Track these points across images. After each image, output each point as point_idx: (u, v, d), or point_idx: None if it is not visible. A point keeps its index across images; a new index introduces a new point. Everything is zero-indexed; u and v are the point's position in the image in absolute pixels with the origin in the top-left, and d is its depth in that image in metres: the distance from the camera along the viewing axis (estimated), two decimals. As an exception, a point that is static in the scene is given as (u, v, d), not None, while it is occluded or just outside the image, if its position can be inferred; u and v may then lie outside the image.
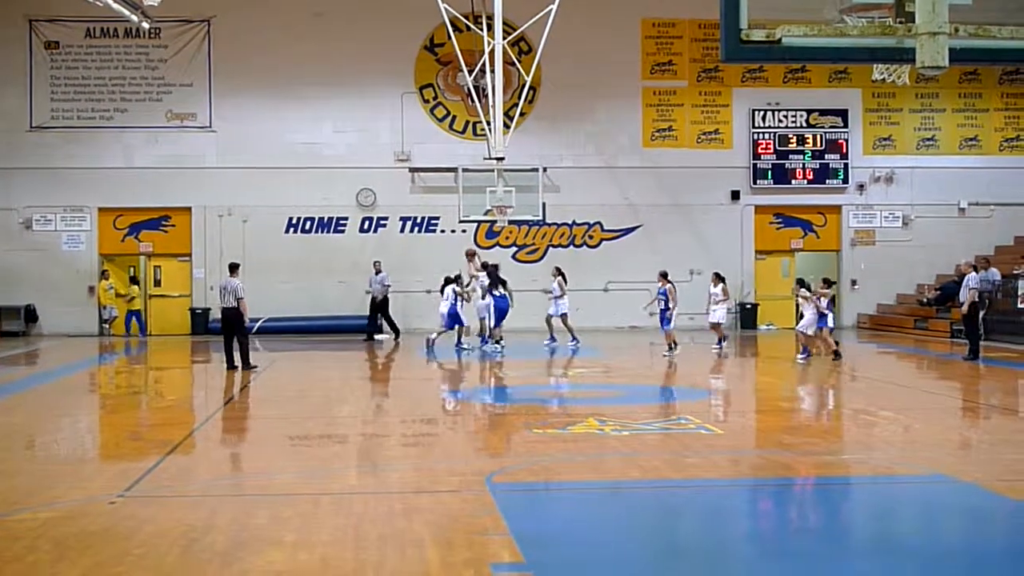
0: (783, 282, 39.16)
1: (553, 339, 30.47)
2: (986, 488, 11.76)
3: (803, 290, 25.84)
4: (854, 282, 39.36)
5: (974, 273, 26.64)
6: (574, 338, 30.35)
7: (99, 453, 15.46)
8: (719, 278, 28.94)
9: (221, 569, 8.85)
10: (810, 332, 26.33)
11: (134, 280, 37.64)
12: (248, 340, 24.68)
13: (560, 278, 30.97)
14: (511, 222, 35.00)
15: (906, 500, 11.85)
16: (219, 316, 25.36)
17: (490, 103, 32.18)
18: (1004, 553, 9.55)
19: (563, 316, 30.93)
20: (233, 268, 25.20)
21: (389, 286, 34.50)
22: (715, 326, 28.87)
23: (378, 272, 34.48)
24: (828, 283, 26.55)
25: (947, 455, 13.86)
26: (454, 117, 38.00)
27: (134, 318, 37.17)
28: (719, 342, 28.36)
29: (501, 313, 29.24)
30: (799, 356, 25.66)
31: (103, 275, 37.26)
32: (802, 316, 26.67)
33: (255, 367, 24.08)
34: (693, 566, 9.04)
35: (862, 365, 28.28)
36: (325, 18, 37.42)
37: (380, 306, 34.30)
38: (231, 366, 24.06)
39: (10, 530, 10.07)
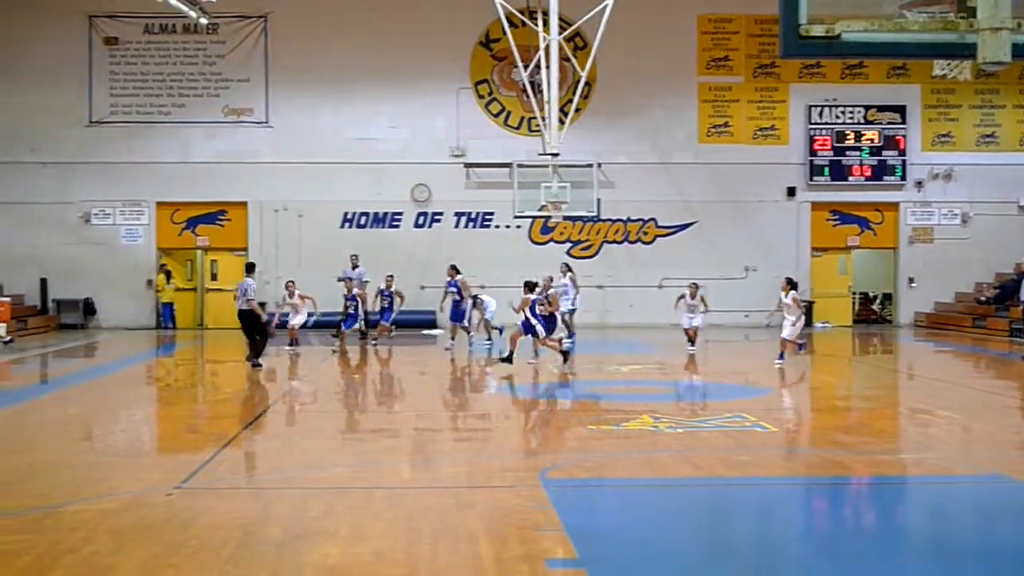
0: (839, 280, 38.95)
1: (571, 335, 29.25)
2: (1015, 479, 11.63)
3: (794, 292, 24.52)
4: (911, 280, 39.04)
5: None
6: (571, 334, 29.32)
7: (156, 445, 15.57)
8: (791, 284, 25.07)
9: (276, 561, 8.89)
10: (800, 340, 25.48)
11: (167, 274, 37.87)
12: (266, 340, 24.28)
13: (571, 274, 30.26)
14: (565, 218, 34.97)
15: (963, 500, 11.73)
16: (272, 311, 25.51)
17: (545, 99, 32.13)
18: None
19: (572, 312, 29.96)
20: (249, 268, 24.96)
21: (367, 281, 32.56)
22: (785, 342, 24.77)
23: (355, 267, 32.79)
24: (792, 284, 24.94)
25: (1005, 455, 13.72)
26: (509, 113, 37.99)
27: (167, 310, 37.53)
28: (780, 355, 24.49)
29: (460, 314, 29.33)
30: (777, 360, 24.86)
31: (161, 269, 37.53)
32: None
33: (259, 366, 23.58)
34: (746, 565, 8.99)
35: (919, 364, 28.08)
36: (380, 13, 37.50)
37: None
38: (254, 364, 23.66)
39: (67, 521, 10.15)
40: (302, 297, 28.03)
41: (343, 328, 29.17)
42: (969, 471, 12.94)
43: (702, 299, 27.69)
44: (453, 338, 29.10)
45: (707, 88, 38.46)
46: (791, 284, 25.00)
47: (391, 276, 30.03)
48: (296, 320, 28.07)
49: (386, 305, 29.69)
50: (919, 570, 8.92)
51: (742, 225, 38.18)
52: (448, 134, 37.71)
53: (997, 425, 16.48)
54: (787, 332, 24.52)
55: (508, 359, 23.19)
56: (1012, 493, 11.72)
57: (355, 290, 29.95)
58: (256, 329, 23.97)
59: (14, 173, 37.01)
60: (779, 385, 21.89)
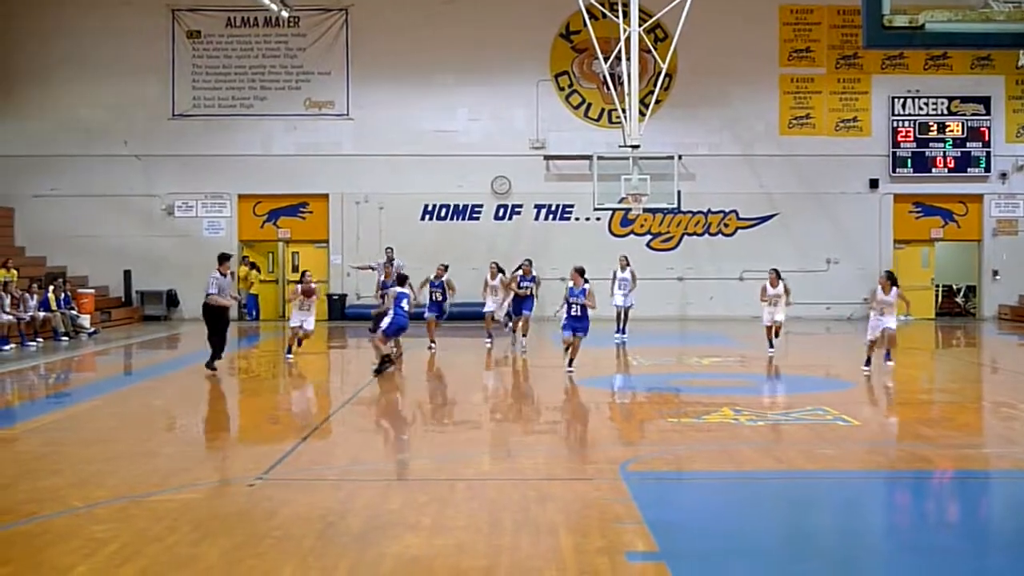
0: (922, 272, 38.56)
1: (623, 331, 28.82)
2: None
3: (897, 288, 21.47)
4: (995, 272, 38.56)
5: None
6: (622, 329, 28.94)
7: (237, 436, 15.73)
8: (892, 280, 21.59)
9: (358, 553, 8.96)
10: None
11: (252, 265, 38.18)
12: (224, 338, 21.85)
13: (630, 268, 29.62)
14: (646, 210, 34.85)
15: (1049, 496, 11.60)
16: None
17: (625, 91, 32.05)
18: None
19: (629, 308, 29.33)
20: (221, 259, 22.30)
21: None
22: (886, 335, 21.40)
23: (390, 260, 29.82)
24: (893, 279, 21.59)
25: (1092, 450, 13.55)
26: (589, 104, 37.95)
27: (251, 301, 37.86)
28: (887, 355, 21.87)
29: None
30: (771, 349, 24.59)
31: (243, 261, 37.88)
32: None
33: (214, 371, 21.36)
34: (826, 559, 8.95)
35: (1003, 357, 27.75)
36: (459, 5, 37.56)
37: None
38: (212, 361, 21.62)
39: (151, 510, 10.29)
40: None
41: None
42: (1055, 466, 12.79)
43: (785, 288, 24.70)
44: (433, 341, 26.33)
45: (788, 79, 38.19)
46: (892, 279, 21.53)
47: (444, 266, 27.01)
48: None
49: (438, 298, 26.37)
50: (1003, 566, 8.83)
51: (823, 217, 37.89)
52: (528, 126, 37.73)
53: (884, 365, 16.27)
54: (892, 325, 21.19)
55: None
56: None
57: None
58: (216, 327, 21.60)
59: (99, 166, 37.48)
60: (861, 378, 21.72)
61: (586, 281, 21.10)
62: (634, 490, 11.02)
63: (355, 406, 17.75)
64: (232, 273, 23.42)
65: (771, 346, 24.84)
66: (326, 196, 37.86)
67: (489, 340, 26.68)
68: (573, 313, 21.01)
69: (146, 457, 12.92)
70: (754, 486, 11.72)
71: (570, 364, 20.93)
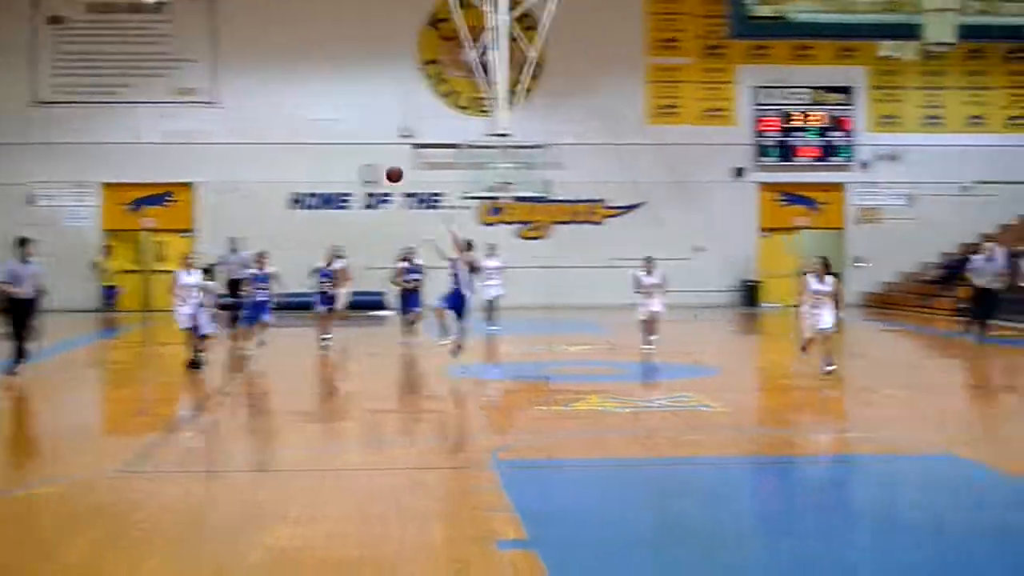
0: (787, 260, 39.13)
1: (493, 322, 27.87)
2: (990, 466, 11.76)
3: (833, 277, 19.42)
4: (858, 260, 39.27)
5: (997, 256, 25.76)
6: (491, 319, 28.00)
7: (101, 428, 15.48)
8: (827, 266, 19.51)
9: (227, 545, 8.87)
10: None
11: (106, 252, 37.45)
12: (26, 335, 18.69)
13: (497, 257, 28.80)
14: (515, 199, 34.97)
15: (910, 478, 11.84)
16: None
17: (494, 79, 32.11)
18: (1006, 530, 9.55)
19: (498, 297, 28.42)
20: (18, 244, 18.86)
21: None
22: (822, 335, 19.05)
23: (234, 250, 30.00)
24: (828, 266, 19.64)
25: (951, 433, 13.86)
26: (458, 93, 37.92)
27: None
28: (827, 361, 18.95)
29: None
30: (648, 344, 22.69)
31: (106, 250, 37.23)
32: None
33: (14, 375, 18.42)
34: (695, 544, 9.04)
35: (865, 343, 28.28)
36: (329, -7, 37.34)
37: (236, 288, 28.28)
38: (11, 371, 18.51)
39: (9, 506, 10.08)
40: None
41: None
42: (915, 450, 13.06)
43: (663, 277, 22.60)
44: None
45: (656, 69, 38.52)
46: (827, 266, 19.40)
47: (336, 253, 25.05)
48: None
49: (328, 288, 24.36)
50: (866, 548, 9.00)
51: (690, 206, 38.30)
52: (397, 115, 37.58)
53: (943, 403, 16.64)
54: (828, 324, 18.69)
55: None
56: (958, 471, 11.84)
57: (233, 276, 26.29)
58: (17, 322, 18.59)
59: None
60: (726, 365, 22.00)
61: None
62: (505, 479, 11.04)
63: (222, 397, 17.56)
64: (95, 264, 22.39)
65: (648, 341, 22.42)
66: (193, 185, 37.37)
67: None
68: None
69: (4, 453, 12.66)
70: (622, 473, 11.81)
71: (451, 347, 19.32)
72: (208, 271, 20.70)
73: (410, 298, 24.94)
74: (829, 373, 18.56)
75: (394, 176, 19.23)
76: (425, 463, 12.13)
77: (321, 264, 24.52)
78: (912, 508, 10.51)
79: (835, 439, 13.84)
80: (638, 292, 22.51)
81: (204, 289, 19.69)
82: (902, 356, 24.82)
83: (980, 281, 25.06)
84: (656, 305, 22.44)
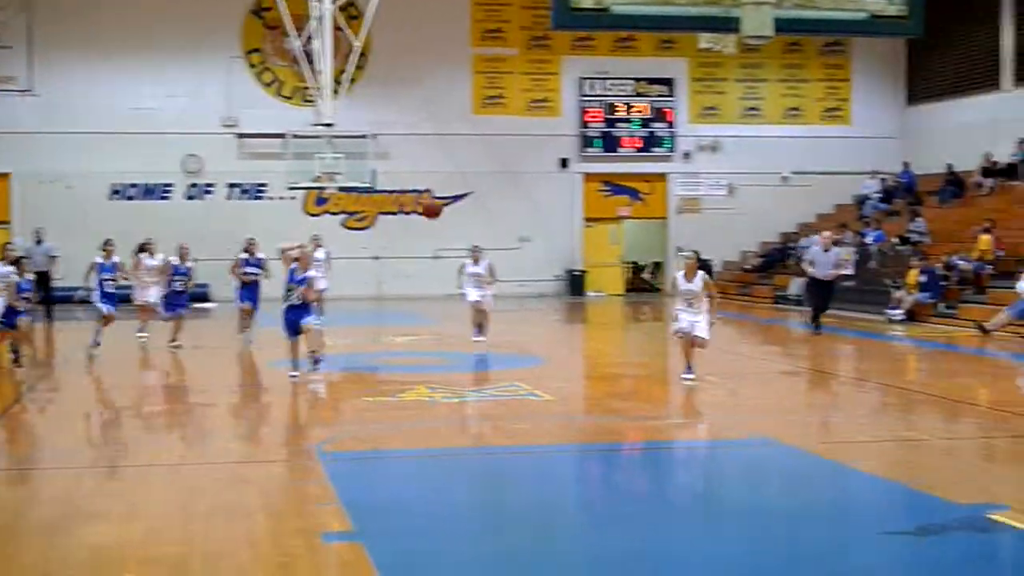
0: (611, 249, 39.59)
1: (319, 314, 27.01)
2: (809, 451, 12.03)
3: (705, 275, 16.87)
4: (680, 249, 39.79)
5: (836, 249, 25.78)
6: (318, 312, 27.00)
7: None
8: (702, 263, 18.92)
9: (45, 543, 8.64)
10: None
11: None
12: None
13: (324, 248, 27.20)
14: (340, 189, 34.77)
15: (731, 463, 12.07)
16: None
17: (318, 69, 31.87)
18: (824, 513, 9.78)
19: (324, 290, 26.17)
20: None
21: (56, 257, 30.48)
22: (697, 342, 16.81)
23: (40, 242, 29.86)
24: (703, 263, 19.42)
25: (771, 419, 14.15)
26: (282, 83, 37.51)
27: None
28: (688, 368, 16.87)
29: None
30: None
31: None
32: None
33: None
34: (523, 533, 9.08)
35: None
36: (149, -20, 36.62)
37: (43, 280, 28.44)
38: None
39: None
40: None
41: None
42: (736, 435, 13.31)
43: (490, 268, 21.81)
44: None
45: (481, 59, 38.60)
46: (701, 262, 18.11)
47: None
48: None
49: (179, 287, 22.48)
50: (692, 532, 9.13)
51: (517, 196, 38.47)
52: (220, 104, 37.02)
53: (762, 390, 16.98)
54: (702, 330, 16.54)
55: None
56: (776, 454, 12.10)
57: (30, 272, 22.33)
58: None
59: None
60: (553, 354, 22.16)
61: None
62: (330, 471, 10.97)
63: (41, 392, 17.14)
64: None
65: (479, 333, 21.81)
66: (7, 175, 36.33)
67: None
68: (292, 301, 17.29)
69: None
70: (450, 463, 11.82)
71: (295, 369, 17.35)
72: (17, 263, 20.02)
73: (248, 292, 22.89)
74: (687, 380, 16.45)
75: (432, 211, 18.48)
76: (249, 457, 12.00)
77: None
78: (732, 492, 10.70)
79: (659, 426, 14.03)
80: (466, 282, 21.76)
81: (7, 282, 18.92)
82: (723, 343, 25.24)
83: (817, 271, 24.98)
84: (484, 296, 21.69)
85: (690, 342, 16.54)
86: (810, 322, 25.27)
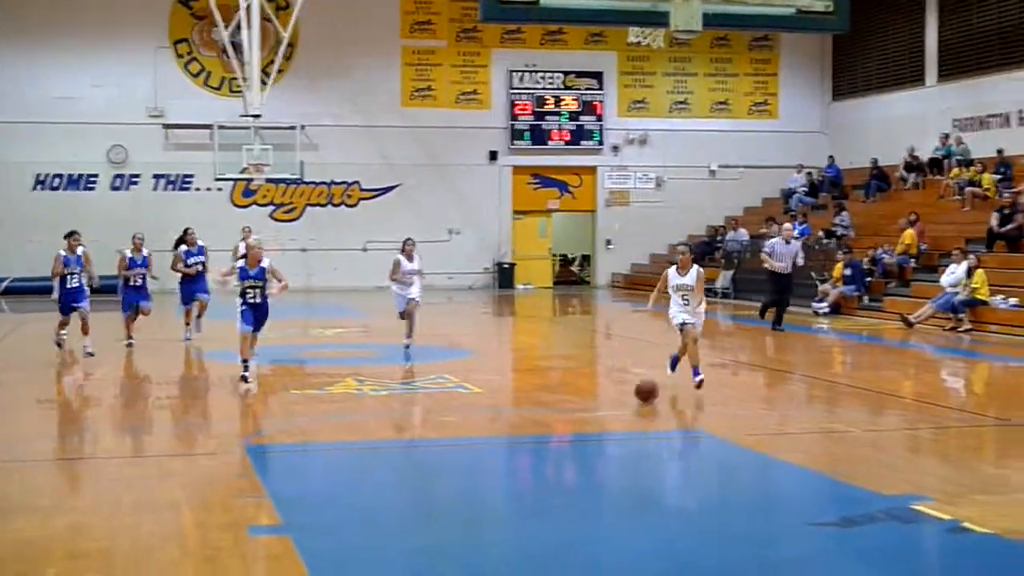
0: (540, 242, 39.65)
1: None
2: (734, 442, 12.11)
3: (700, 268, 16.09)
4: (608, 242, 40.03)
5: (795, 243, 24.42)
6: None
7: None
8: (694, 255, 17.80)
9: (-34, 538, 8.54)
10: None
11: None
12: None
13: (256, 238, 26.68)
14: (268, 180, 34.60)
15: (659, 455, 12.14)
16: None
17: (246, 59, 31.67)
18: (751, 505, 9.86)
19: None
20: None
21: None
22: (685, 333, 15.73)
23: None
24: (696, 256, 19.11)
25: (700, 411, 14.23)
26: (209, 73, 37.22)
27: None
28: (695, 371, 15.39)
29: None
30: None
31: None
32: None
33: None
34: (451, 525, 9.08)
35: (616, 324, 28.85)
36: (74, -32, 36.19)
37: None
38: None
39: None
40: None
41: None
42: (665, 427, 13.38)
43: (421, 262, 20.08)
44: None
45: (410, 51, 38.49)
46: (695, 253, 18.00)
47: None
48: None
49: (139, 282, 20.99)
50: (621, 525, 9.17)
51: (446, 188, 38.43)
52: (147, 94, 36.70)
53: (690, 382, 17.05)
54: (694, 319, 15.69)
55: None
56: (704, 446, 12.18)
57: None
58: None
59: None
60: (482, 347, 22.16)
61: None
62: (258, 464, 10.92)
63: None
64: None
65: (409, 335, 19.76)
66: (-72, 164, 35.83)
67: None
68: (250, 300, 16.05)
69: None
70: (378, 455, 11.80)
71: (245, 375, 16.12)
72: None
73: (198, 284, 21.74)
74: (699, 385, 15.11)
75: (648, 393, 14.13)
76: (176, 450, 11.92)
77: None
78: (661, 484, 10.77)
79: (587, 418, 14.08)
80: (399, 279, 19.58)
81: None
82: (652, 336, 25.34)
83: (777, 264, 23.81)
84: (415, 293, 19.66)
85: (693, 339, 15.52)
86: (762, 316, 24.78)
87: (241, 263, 16.37)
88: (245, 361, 16.11)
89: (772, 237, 25.70)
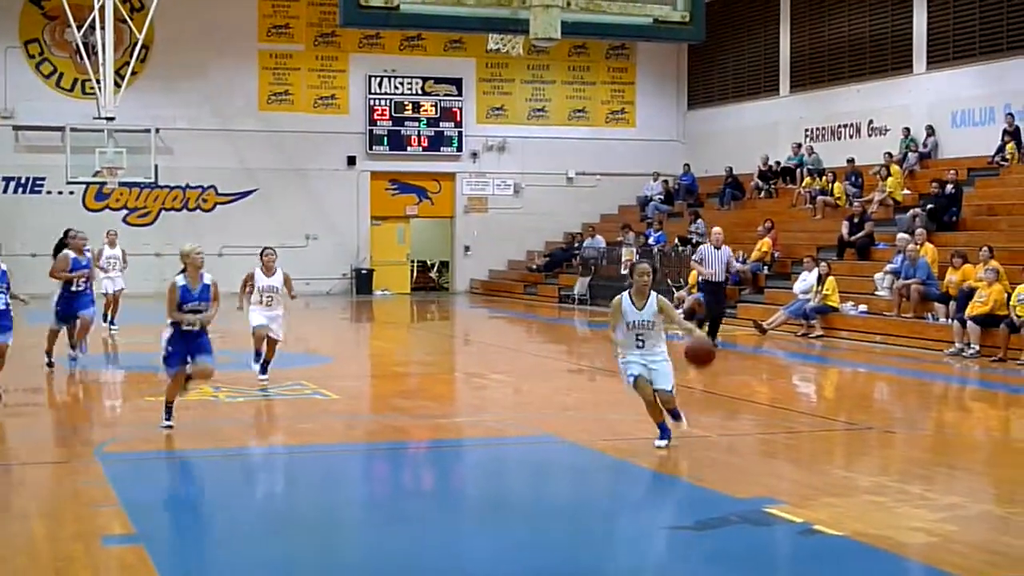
0: (398, 248, 39.58)
1: (112, 321, 24.67)
2: (590, 447, 12.20)
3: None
4: (467, 248, 40.10)
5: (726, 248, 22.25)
6: (112, 319, 24.72)
7: None
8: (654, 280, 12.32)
9: None
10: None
11: None
12: None
13: (120, 245, 25.65)
14: (121, 184, 34.06)
15: (516, 460, 12.18)
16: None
17: (100, 61, 31.17)
18: (606, 509, 9.95)
19: (121, 291, 25.23)
20: None
21: None
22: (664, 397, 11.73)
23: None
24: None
25: (554, 416, 14.33)
26: (62, 74, 36.51)
27: None
28: (674, 416, 11.95)
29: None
30: None
31: None
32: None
33: None
34: (307, 533, 9.03)
35: (474, 330, 28.91)
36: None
37: None
38: None
39: None
40: None
41: None
42: (521, 432, 13.45)
43: (287, 280, 16.67)
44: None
45: (268, 55, 38.18)
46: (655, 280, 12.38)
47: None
48: None
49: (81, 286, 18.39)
50: (476, 529, 9.19)
51: (304, 193, 38.17)
52: (-4, 95, 35.92)
53: (547, 388, 17.18)
54: (666, 380, 11.60)
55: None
56: (560, 451, 12.26)
57: None
58: None
59: None
60: (339, 353, 22.06)
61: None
62: (110, 472, 10.73)
63: None
64: None
65: (263, 369, 16.49)
66: None
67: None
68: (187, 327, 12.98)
69: None
70: (234, 463, 11.69)
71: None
72: None
73: (75, 299, 18.26)
74: (661, 446, 11.66)
75: (702, 357, 11.48)
76: (26, 458, 11.67)
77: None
78: (516, 489, 10.82)
79: (445, 424, 14.09)
80: (252, 300, 16.56)
81: None
82: (509, 342, 25.47)
83: (706, 271, 21.74)
84: (276, 320, 16.36)
85: (656, 398, 11.61)
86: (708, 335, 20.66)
87: (185, 281, 13.31)
88: (169, 405, 12.90)
89: (701, 243, 24.65)
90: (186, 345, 12.85)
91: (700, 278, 22.31)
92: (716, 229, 22.70)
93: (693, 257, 22.88)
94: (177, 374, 12.75)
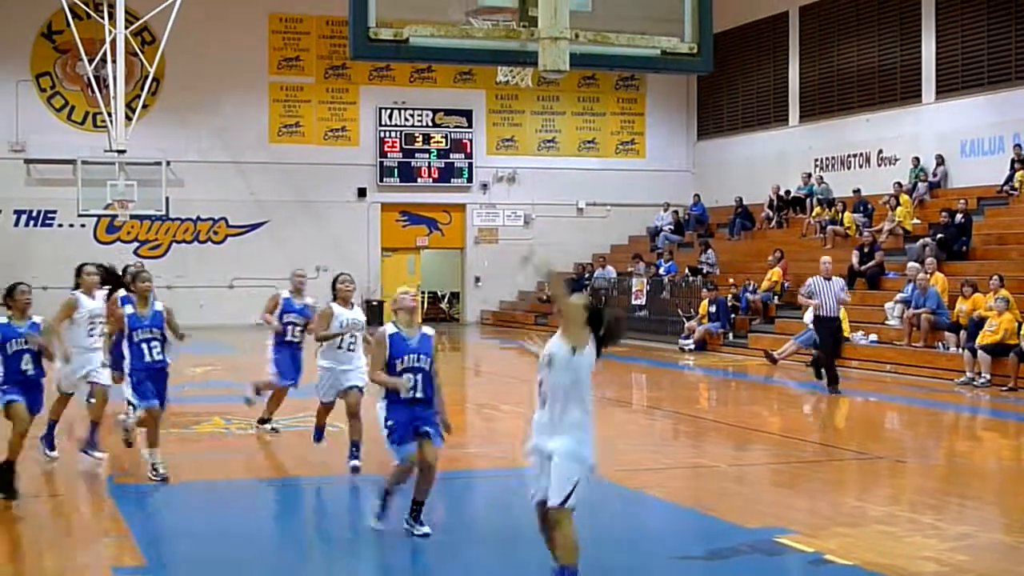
0: (408, 279, 39.56)
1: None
2: (603, 478, 12.18)
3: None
4: (477, 279, 40.14)
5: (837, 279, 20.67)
6: None
7: None
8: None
9: None
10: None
11: None
12: None
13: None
14: (133, 217, 34.15)
15: (528, 491, 12.14)
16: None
17: (111, 94, 31.29)
18: (617, 538, 9.94)
19: None
20: None
21: None
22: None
23: None
24: None
25: (566, 447, 14.29)
26: (73, 107, 36.70)
27: None
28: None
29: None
30: None
31: None
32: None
33: None
34: (315, 564, 9.03)
35: (485, 361, 28.90)
36: (-67, 0, 35.53)
37: None
38: None
39: None
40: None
41: None
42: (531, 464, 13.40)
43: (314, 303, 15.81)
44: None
45: (278, 88, 38.33)
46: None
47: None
48: None
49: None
50: (491, 559, 9.18)
51: (314, 225, 38.24)
52: (7, 128, 36.07)
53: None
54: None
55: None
56: (572, 483, 12.22)
57: None
58: None
59: None
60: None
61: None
62: (121, 503, 10.74)
63: None
64: None
65: (355, 452, 12.82)
66: None
67: None
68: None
69: None
70: (245, 494, 11.69)
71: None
72: None
73: None
74: None
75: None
76: (38, 491, 11.67)
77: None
78: (529, 519, 10.80)
79: (458, 455, 14.05)
80: (325, 335, 13.46)
81: None
82: (519, 373, 25.41)
83: (814, 303, 20.11)
84: (357, 377, 13.10)
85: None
86: (817, 376, 20.61)
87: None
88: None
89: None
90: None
91: (812, 314, 20.69)
92: (825, 259, 20.66)
93: (801, 291, 21.12)
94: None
